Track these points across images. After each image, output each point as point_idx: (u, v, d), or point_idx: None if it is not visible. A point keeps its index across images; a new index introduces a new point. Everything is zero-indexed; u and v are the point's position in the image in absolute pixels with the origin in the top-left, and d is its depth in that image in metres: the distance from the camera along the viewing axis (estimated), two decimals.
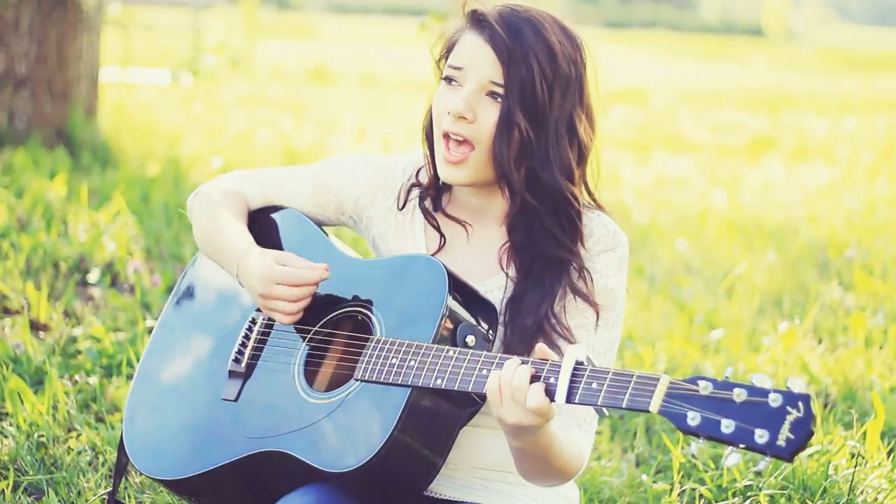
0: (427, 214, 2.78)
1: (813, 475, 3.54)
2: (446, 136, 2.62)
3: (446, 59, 2.68)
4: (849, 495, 3.48)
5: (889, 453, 3.77)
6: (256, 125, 10.53)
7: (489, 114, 2.60)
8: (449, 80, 2.64)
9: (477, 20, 2.64)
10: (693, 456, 2.14)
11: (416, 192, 2.80)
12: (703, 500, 3.56)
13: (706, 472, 3.61)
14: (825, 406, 4.38)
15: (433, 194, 2.78)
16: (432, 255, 2.74)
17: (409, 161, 2.85)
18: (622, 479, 3.69)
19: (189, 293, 2.95)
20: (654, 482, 3.68)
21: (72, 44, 7.88)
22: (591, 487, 3.62)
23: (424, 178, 2.79)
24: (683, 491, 3.60)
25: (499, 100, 2.59)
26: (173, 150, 8.42)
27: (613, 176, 8.88)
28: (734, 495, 3.51)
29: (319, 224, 2.89)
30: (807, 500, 3.49)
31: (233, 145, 9.11)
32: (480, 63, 2.60)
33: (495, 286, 2.68)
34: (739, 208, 8.12)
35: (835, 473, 3.59)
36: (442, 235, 2.76)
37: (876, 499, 3.53)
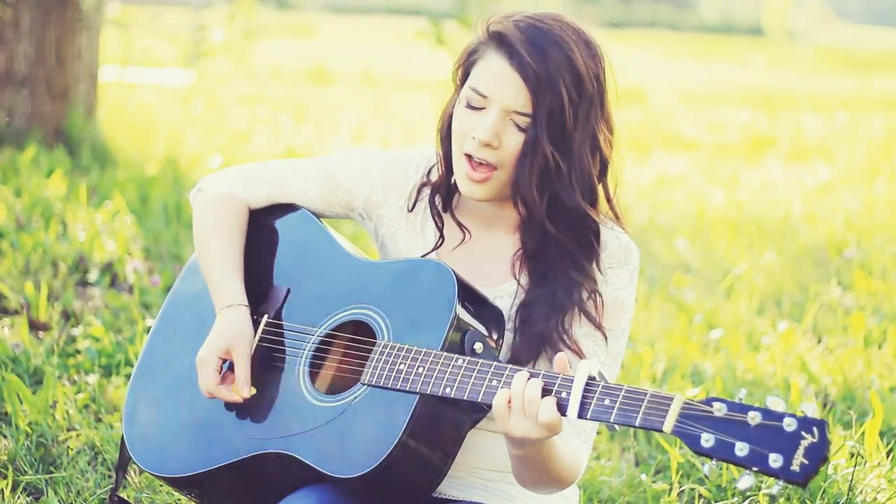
0: (435, 213, 2.74)
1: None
2: (468, 156, 2.59)
3: (464, 71, 2.63)
4: (848, 495, 3.48)
5: (888, 453, 3.77)
6: (256, 125, 10.52)
7: (513, 138, 2.56)
8: (470, 101, 2.59)
9: (501, 41, 2.57)
10: (705, 476, 2.15)
11: (426, 191, 2.77)
12: (702, 500, 3.56)
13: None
14: (824, 406, 4.38)
15: (443, 194, 2.74)
16: (429, 251, 2.73)
17: (421, 158, 2.80)
18: (621, 479, 3.69)
19: (191, 288, 2.91)
20: (654, 482, 3.68)
21: (71, 43, 7.88)
22: (590, 487, 3.62)
23: (435, 177, 2.76)
24: (683, 491, 3.60)
25: (523, 125, 2.55)
26: (172, 150, 8.42)
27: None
28: (734, 495, 3.51)
29: (325, 218, 2.86)
30: (806, 500, 3.49)
31: (232, 145, 9.10)
32: (507, 91, 2.55)
33: (505, 293, 2.66)
34: (738, 208, 8.12)
35: (834, 473, 3.59)
36: (442, 237, 2.73)
37: (875, 498, 3.54)
